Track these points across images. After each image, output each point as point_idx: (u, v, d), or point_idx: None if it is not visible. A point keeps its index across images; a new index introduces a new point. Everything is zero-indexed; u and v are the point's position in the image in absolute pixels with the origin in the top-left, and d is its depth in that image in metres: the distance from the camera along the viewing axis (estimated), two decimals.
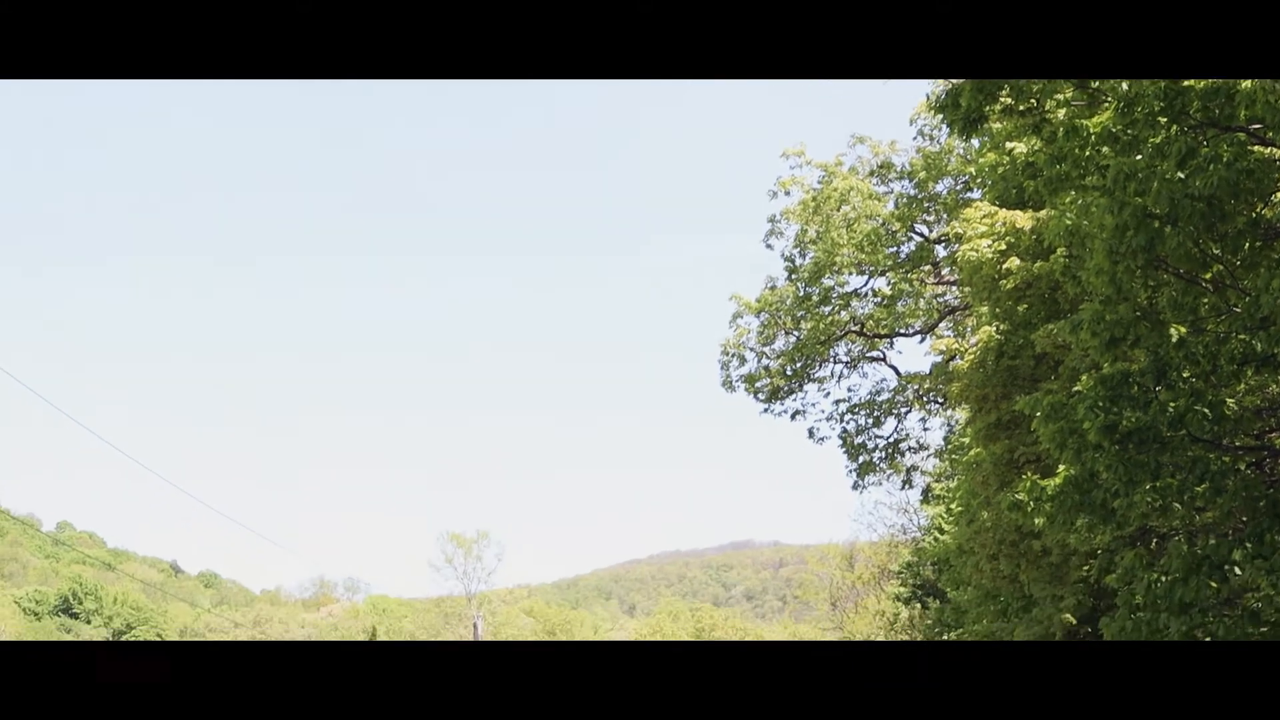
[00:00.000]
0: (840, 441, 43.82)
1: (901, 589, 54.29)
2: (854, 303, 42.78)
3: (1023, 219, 24.04)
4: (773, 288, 43.49)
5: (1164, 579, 17.27)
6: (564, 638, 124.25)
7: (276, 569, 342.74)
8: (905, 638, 51.88)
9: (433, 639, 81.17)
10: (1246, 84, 15.45)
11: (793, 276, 42.80)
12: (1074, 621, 23.45)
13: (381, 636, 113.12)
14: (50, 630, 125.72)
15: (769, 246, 43.52)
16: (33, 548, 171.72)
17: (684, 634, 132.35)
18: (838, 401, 44.12)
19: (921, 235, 41.57)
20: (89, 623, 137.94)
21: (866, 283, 42.72)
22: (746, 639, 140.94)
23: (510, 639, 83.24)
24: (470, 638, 61.90)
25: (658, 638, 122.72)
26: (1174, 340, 17.50)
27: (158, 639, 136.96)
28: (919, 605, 50.87)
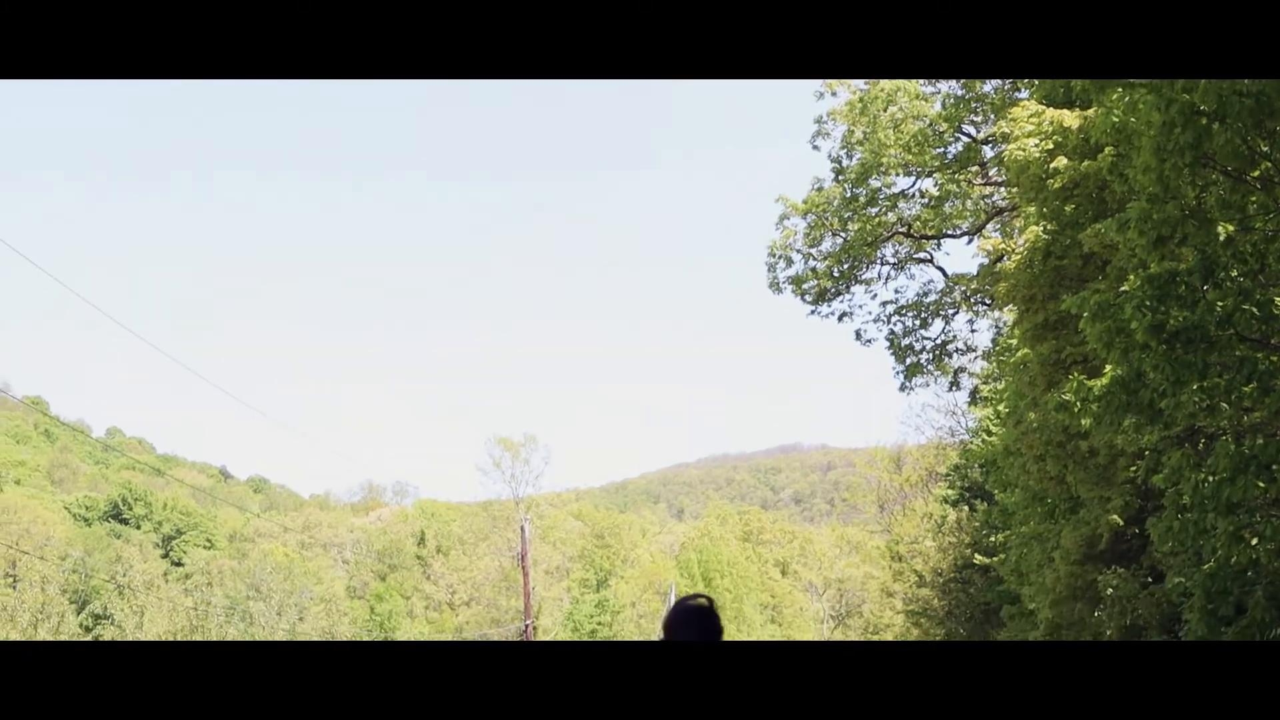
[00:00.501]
0: (887, 343, 43.74)
1: (949, 491, 54.22)
2: (901, 204, 42.53)
3: (1070, 118, 23.78)
4: (819, 189, 43.26)
5: (1211, 479, 17.16)
6: (612, 541, 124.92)
7: (325, 474, 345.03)
8: (952, 540, 51.87)
9: (480, 541, 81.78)
10: None
11: (839, 178, 42.55)
12: (1121, 523, 23.38)
13: (430, 541, 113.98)
14: (100, 535, 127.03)
15: (815, 148, 43.26)
16: (82, 454, 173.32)
17: (732, 537, 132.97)
18: (885, 303, 44.00)
19: (969, 135, 41.21)
20: (139, 528, 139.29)
21: (913, 184, 42.45)
22: (794, 540, 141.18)
23: (558, 541, 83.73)
24: (518, 541, 62.25)
25: (706, 541, 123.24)
26: (1222, 238, 17.31)
27: (207, 543, 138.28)
28: (966, 508, 50.81)
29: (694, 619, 3.34)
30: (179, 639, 58.94)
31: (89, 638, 60.87)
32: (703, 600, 3.35)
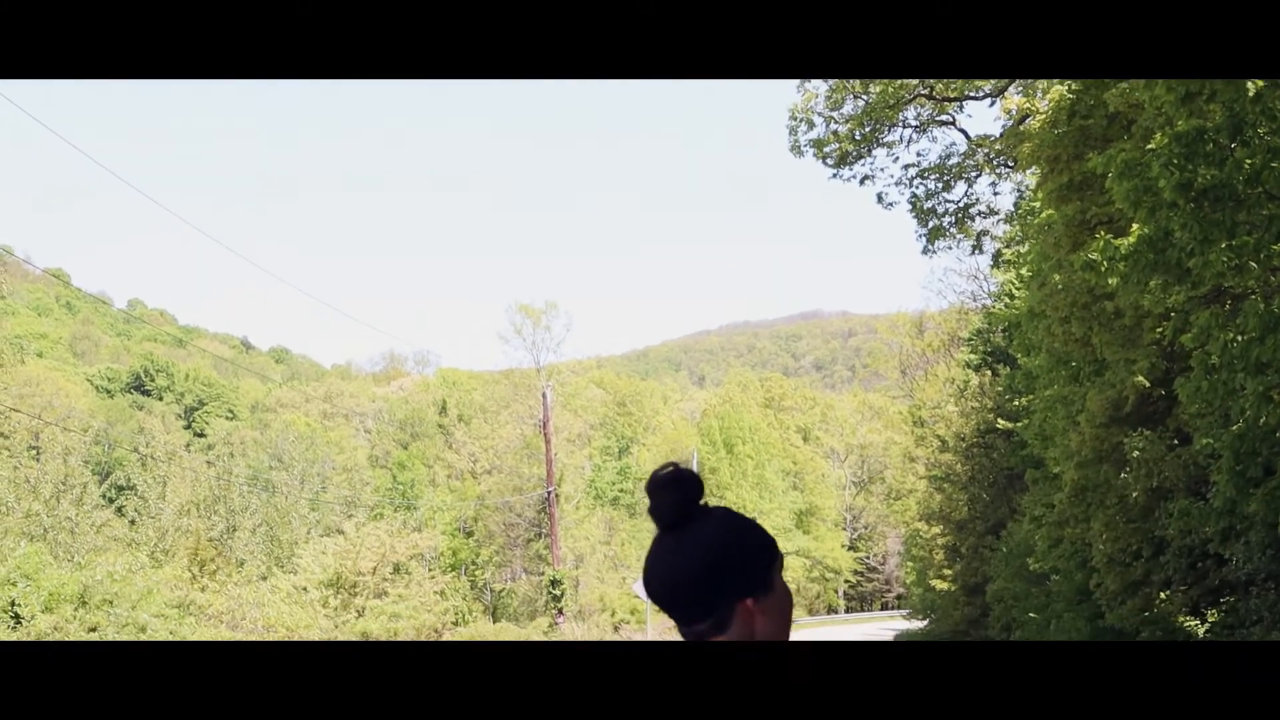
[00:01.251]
0: (909, 206, 43.28)
1: (971, 356, 54.00)
2: None
3: None
4: None
5: (1240, 339, 16.89)
6: (634, 409, 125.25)
7: (347, 344, 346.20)
8: (975, 405, 51.72)
9: (502, 409, 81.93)
10: None
11: None
12: (1147, 384, 23.15)
13: (451, 409, 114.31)
14: (122, 407, 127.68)
15: None
16: (104, 326, 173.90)
17: (753, 404, 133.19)
18: (907, 166, 43.46)
19: None
20: (160, 399, 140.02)
21: None
22: (816, 407, 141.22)
23: (580, 409, 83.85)
24: (539, 409, 62.18)
25: (727, 407, 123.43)
26: (1250, 95, 16.89)
27: (229, 414, 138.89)
28: (989, 372, 50.64)
29: (666, 489, 3.07)
30: (201, 508, 59.34)
31: (111, 509, 61.24)
32: (669, 468, 3.03)
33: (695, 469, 74.28)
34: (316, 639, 38.94)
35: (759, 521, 3.06)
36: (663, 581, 2.96)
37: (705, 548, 2.91)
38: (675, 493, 2.99)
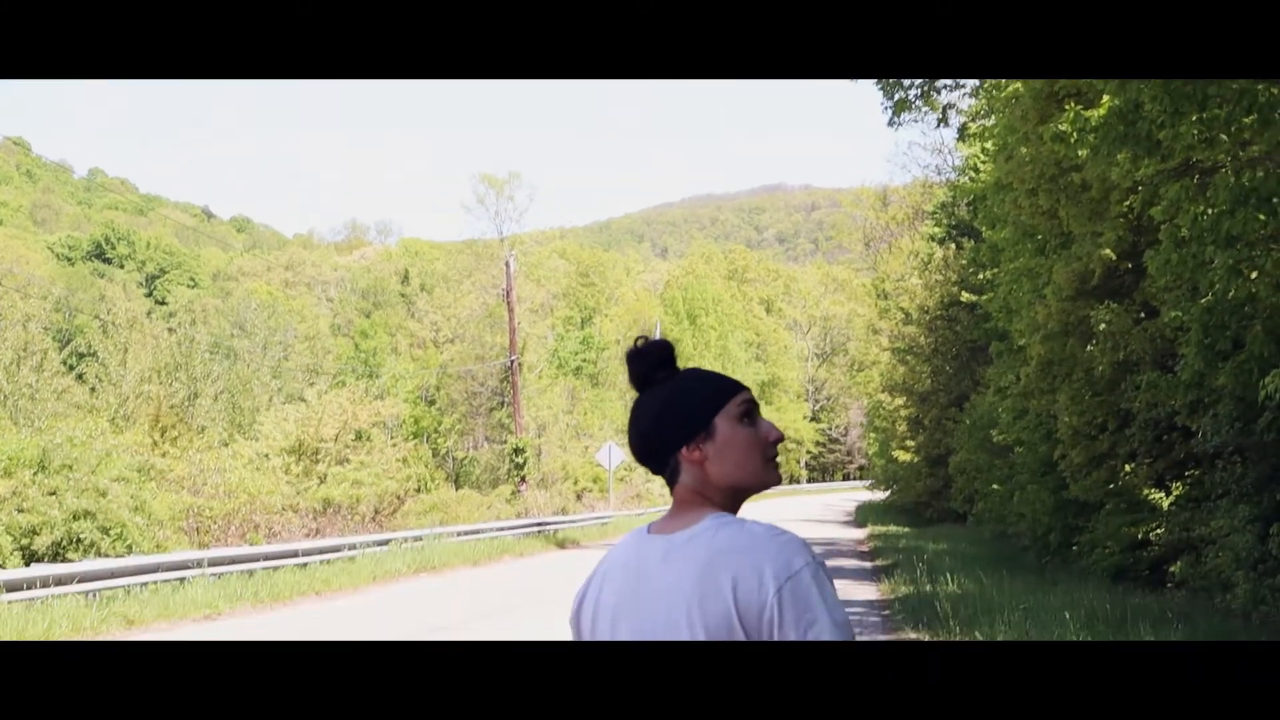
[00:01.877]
0: (874, 79, 42.93)
1: (936, 229, 53.87)
2: None
3: None
4: None
5: (1210, 212, 16.80)
6: (596, 280, 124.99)
7: (308, 213, 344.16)
8: (939, 278, 51.70)
9: (465, 279, 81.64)
10: None
11: None
12: (1114, 257, 23.06)
13: (414, 279, 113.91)
14: (84, 275, 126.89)
15: None
16: (65, 194, 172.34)
17: (717, 276, 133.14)
18: None
19: None
20: (121, 267, 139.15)
21: None
22: (779, 279, 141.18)
23: (542, 279, 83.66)
24: (502, 278, 61.97)
25: (690, 279, 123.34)
26: None
27: (190, 282, 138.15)
28: (953, 245, 50.56)
29: (631, 360, 3.33)
30: (163, 375, 59.07)
31: (71, 376, 61.00)
32: (637, 341, 3.33)
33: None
34: (280, 504, 39.00)
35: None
36: (631, 440, 3.30)
37: (656, 404, 3.24)
38: (638, 363, 3.29)
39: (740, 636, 2.99)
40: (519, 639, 12.02)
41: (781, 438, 3.22)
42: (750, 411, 3.21)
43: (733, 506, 3.21)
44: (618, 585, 3.22)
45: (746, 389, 3.25)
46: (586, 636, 3.32)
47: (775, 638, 2.99)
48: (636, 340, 3.34)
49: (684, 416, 3.20)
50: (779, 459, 3.25)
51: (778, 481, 3.21)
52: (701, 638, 3.02)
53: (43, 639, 18.94)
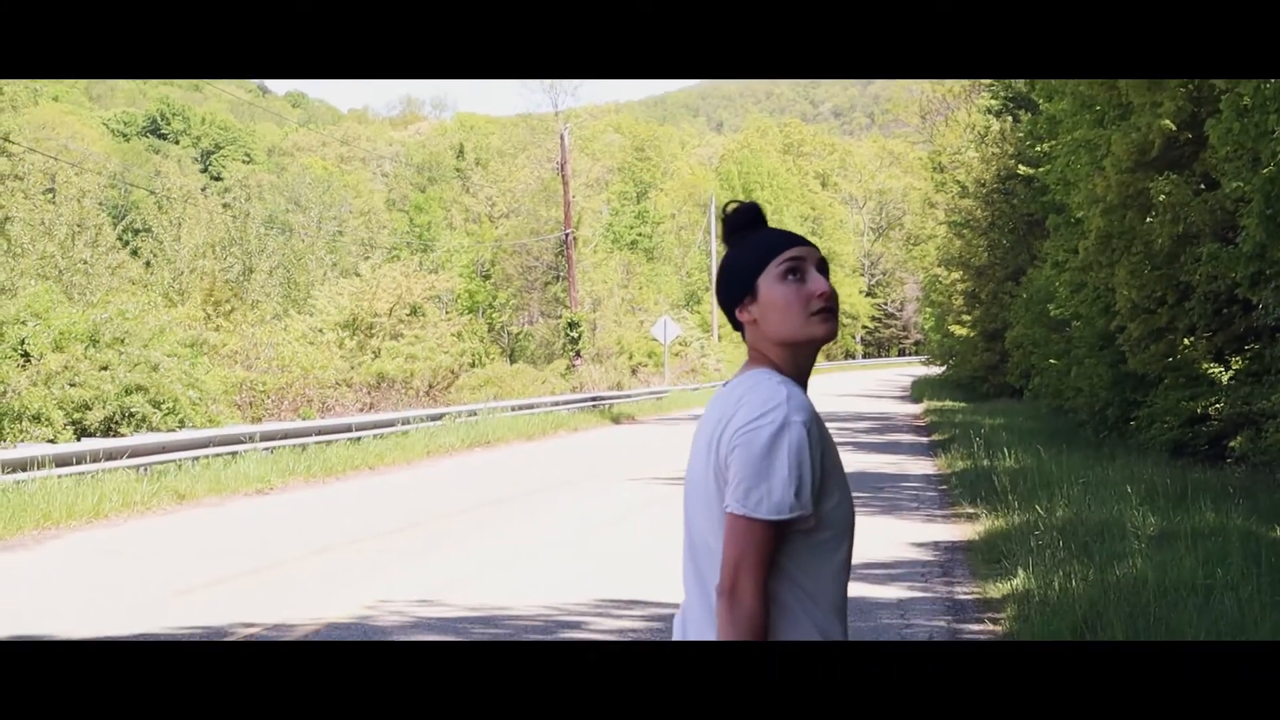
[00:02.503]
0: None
1: (993, 101, 53.15)
2: None
3: None
4: None
5: (1272, 80, 16.37)
6: (651, 154, 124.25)
7: (363, 89, 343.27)
8: (995, 151, 51.06)
9: (520, 153, 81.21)
10: None
11: None
12: (1174, 127, 22.59)
13: (469, 153, 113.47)
14: (139, 150, 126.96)
15: None
16: None
17: (772, 149, 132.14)
18: None
19: None
20: (177, 143, 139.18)
21: None
22: (835, 153, 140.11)
23: (597, 154, 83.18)
24: (557, 152, 61.54)
25: (745, 153, 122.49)
26: None
27: (245, 158, 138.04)
28: (1010, 118, 49.86)
29: (722, 223, 3.47)
30: (217, 250, 59.07)
31: (126, 251, 61.01)
32: (730, 205, 3.44)
33: (713, 213, 73.72)
34: (333, 379, 39.08)
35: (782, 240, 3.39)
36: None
37: (720, 267, 3.43)
38: (724, 225, 3.44)
39: (715, 482, 3.22)
40: (573, 512, 11.96)
41: (825, 291, 3.29)
42: (796, 268, 3.31)
43: (792, 363, 3.32)
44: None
45: (796, 245, 3.34)
46: None
47: (728, 484, 3.17)
48: (727, 204, 3.44)
49: (732, 280, 3.36)
50: (828, 313, 3.31)
51: (824, 334, 3.30)
52: (714, 485, 3.21)
53: (92, 514, 19.01)
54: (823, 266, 3.37)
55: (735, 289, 3.35)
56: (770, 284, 3.30)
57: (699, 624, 3.29)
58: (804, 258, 3.32)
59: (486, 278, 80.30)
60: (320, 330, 47.44)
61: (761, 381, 3.23)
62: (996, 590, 12.24)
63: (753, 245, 3.36)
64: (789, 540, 3.16)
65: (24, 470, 19.87)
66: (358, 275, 54.33)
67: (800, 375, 3.32)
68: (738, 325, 3.39)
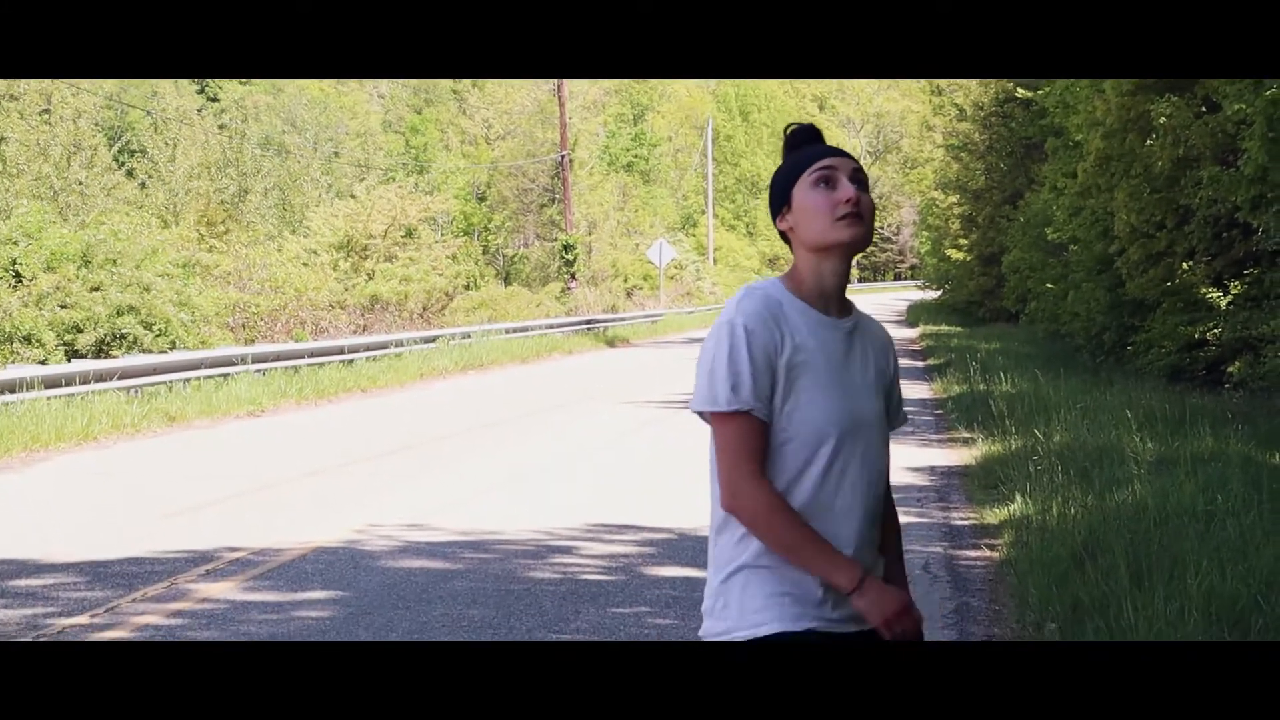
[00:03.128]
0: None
1: None
2: None
3: None
4: None
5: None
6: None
7: None
8: None
9: None
10: None
11: None
12: None
13: None
14: None
15: None
16: None
17: None
18: None
19: None
20: None
21: None
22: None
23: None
24: None
25: None
26: None
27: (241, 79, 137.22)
28: None
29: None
30: (212, 171, 58.69)
31: (121, 172, 60.60)
32: (790, 127, 3.64)
33: (710, 137, 73.22)
34: (327, 301, 38.91)
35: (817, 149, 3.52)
36: None
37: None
38: (784, 145, 3.59)
39: None
40: (566, 435, 11.86)
41: (853, 197, 3.39)
42: (828, 177, 3.43)
43: (816, 270, 3.46)
44: None
45: (830, 156, 3.46)
46: None
47: None
48: (788, 126, 3.61)
49: (773, 191, 3.53)
50: (854, 218, 3.41)
51: (850, 238, 3.41)
52: None
53: (81, 436, 18.87)
54: (857, 177, 3.44)
55: (775, 199, 3.51)
56: (803, 192, 3.43)
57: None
58: (836, 167, 3.43)
59: (482, 200, 79.96)
60: (314, 252, 47.24)
61: (739, 292, 3.45)
62: (994, 516, 12.12)
63: (793, 158, 3.50)
64: (769, 450, 3.32)
65: (12, 392, 19.72)
66: (353, 197, 54.07)
67: (824, 284, 3.45)
68: (785, 238, 3.53)
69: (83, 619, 8.81)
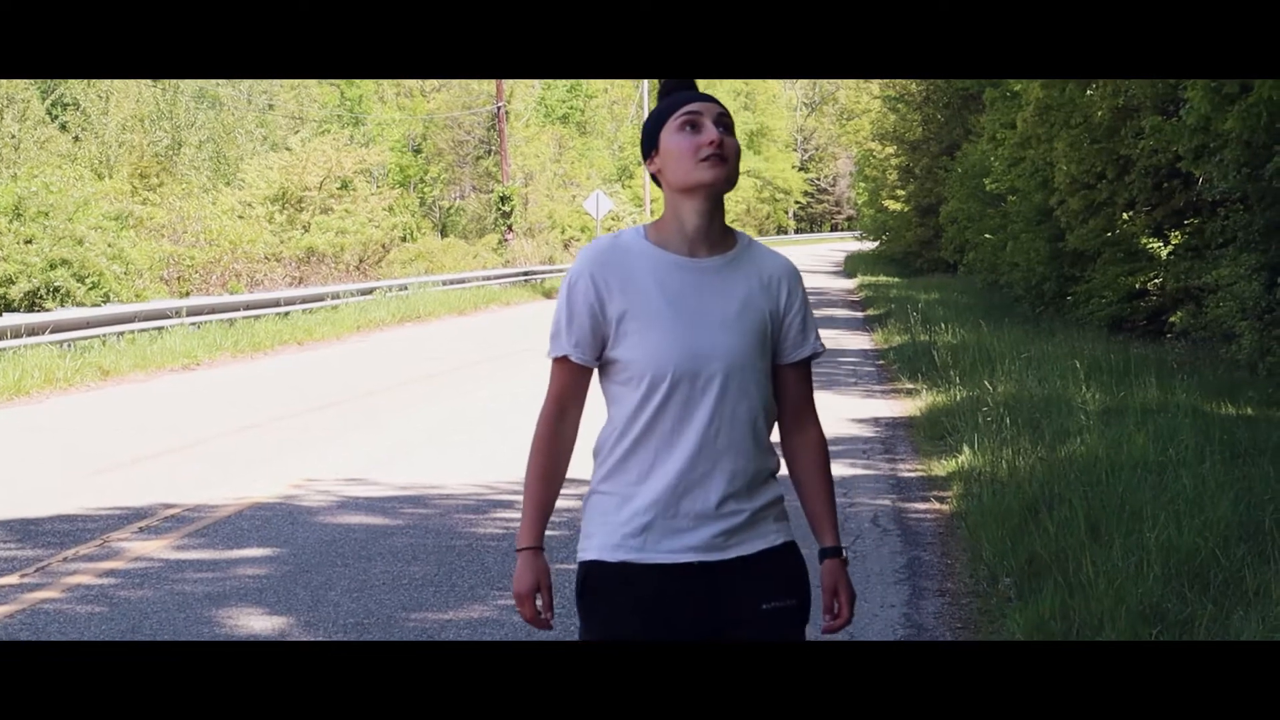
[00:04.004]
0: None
1: None
2: None
3: None
4: None
5: None
6: None
7: None
8: None
9: None
10: None
11: None
12: None
13: None
14: None
15: None
16: None
17: None
18: None
19: None
20: None
21: None
22: None
23: None
24: None
25: None
26: None
27: None
28: None
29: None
30: (146, 123, 57.94)
31: (55, 126, 59.82)
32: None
33: (646, 89, 72.93)
34: (262, 253, 38.48)
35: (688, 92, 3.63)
36: None
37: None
38: (658, 94, 3.68)
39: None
40: (501, 387, 11.67)
41: (715, 139, 3.50)
42: (693, 121, 3.54)
43: (678, 211, 3.57)
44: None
45: (695, 101, 3.57)
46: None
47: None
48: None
49: (643, 136, 3.65)
50: (717, 159, 3.50)
51: (711, 179, 3.49)
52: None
53: (13, 390, 18.52)
54: (722, 121, 3.55)
55: (645, 143, 3.63)
56: (669, 135, 3.55)
57: None
58: (701, 112, 3.54)
59: (418, 152, 79.42)
60: (249, 204, 46.73)
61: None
62: (942, 468, 12.00)
63: (662, 104, 3.61)
64: (610, 390, 3.61)
65: None
66: (288, 149, 53.59)
67: (685, 225, 3.56)
68: (655, 180, 3.63)
69: (12, 579, 8.56)
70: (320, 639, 7.28)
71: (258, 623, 7.59)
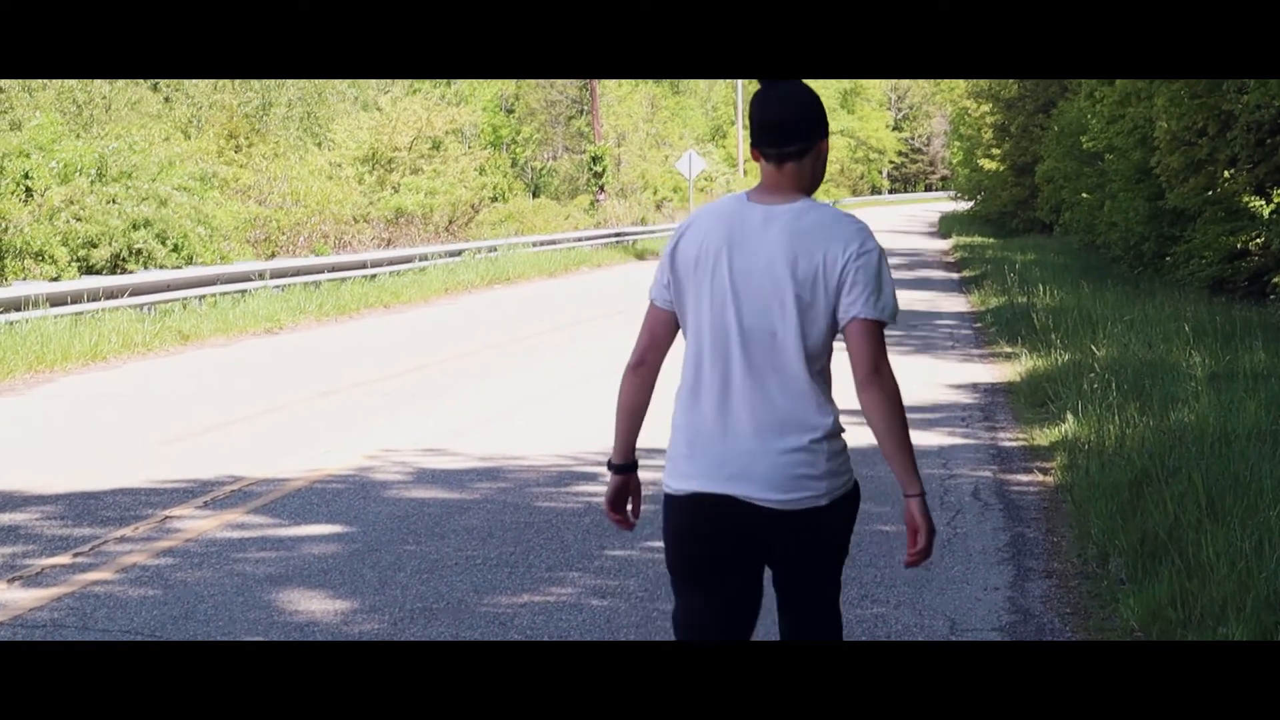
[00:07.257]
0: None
1: None
2: None
3: None
4: None
5: None
6: None
7: None
8: None
9: None
10: None
11: None
12: None
13: None
14: None
15: None
16: None
17: None
18: None
19: None
20: None
21: None
22: None
23: None
24: None
25: None
26: None
27: None
28: None
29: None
30: (235, 84, 57.91)
31: (146, 86, 59.91)
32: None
33: None
34: (350, 214, 38.24)
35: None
36: (788, 112, 3.87)
37: (807, 95, 3.89)
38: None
39: (822, 290, 3.83)
40: (596, 351, 11.17)
41: None
42: None
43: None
44: (724, 232, 3.91)
45: None
46: (683, 270, 3.98)
47: (845, 296, 3.82)
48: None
49: (821, 114, 3.90)
50: None
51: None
52: (791, 287, 3.84)
53: (89, 355, 18.27)
54: None
55: (825, 124, 3.92)
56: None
57: None
58: None
59: (510, 112, 79.15)
60: (339, 165, 46.55)
61: (839, 214, 3.99)
62: (1044, 437, 11.48)
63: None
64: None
65: (17, 310, 19.10)
66: (378, 109, 53.32)
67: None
68: (806, 148, 3.89)
69: (64, 559, 8.18)
70: (384, 625, 6.88)
71: (318, 606, 7.20)
